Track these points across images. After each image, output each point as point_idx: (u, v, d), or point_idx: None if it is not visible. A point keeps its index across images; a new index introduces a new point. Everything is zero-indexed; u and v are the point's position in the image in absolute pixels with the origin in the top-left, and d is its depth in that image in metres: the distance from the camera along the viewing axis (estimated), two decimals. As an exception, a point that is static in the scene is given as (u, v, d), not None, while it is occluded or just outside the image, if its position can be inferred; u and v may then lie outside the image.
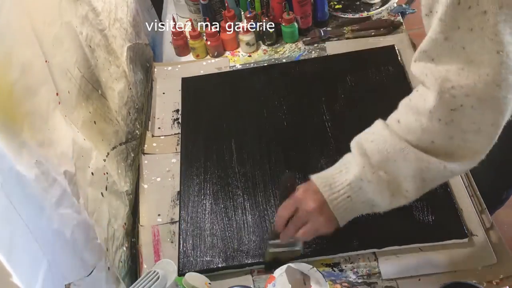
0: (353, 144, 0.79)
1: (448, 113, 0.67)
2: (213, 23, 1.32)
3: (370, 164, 0.74)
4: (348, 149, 1.05)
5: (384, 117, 1.10)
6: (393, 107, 1.11)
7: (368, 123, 1.08)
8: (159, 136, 1.18)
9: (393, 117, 0.76)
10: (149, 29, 1.42)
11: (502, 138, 1.11)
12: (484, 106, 0.66)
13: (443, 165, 0.71)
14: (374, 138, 0.76)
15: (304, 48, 1.33)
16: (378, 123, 0.77)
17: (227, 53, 1.36)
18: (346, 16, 1.37)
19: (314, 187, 0.79)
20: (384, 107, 1.12)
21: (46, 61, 0.78)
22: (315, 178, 0.81)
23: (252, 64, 1.31)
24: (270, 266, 0.88)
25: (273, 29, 1.31)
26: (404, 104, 0.75)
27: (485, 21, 0.59)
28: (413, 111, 0.71)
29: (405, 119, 0.73)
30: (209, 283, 0.85)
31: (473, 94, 0.65)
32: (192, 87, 1.26)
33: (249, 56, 1.34)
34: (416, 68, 0.71)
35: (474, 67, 0.63)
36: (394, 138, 0.73)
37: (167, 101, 1.26)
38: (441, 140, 0.70)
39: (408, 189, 0.74)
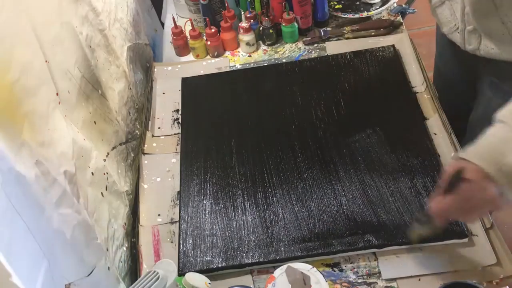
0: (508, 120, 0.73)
1: None
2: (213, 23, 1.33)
3: None
4: (347, 149, 1.05)
5: (384, 116, 1.11)
6: (393, 106, 1.12)
7: (367, 123, 1.10)
8: (159, 136, 1.18)
9: None
10: (149, 29, 1.42)
11: None
12: None
13: None
14: None
15: (304, 48, 1.33)
16: None
17: (227, 53, 1.36)
18: (346, 16, 1.37)
19: (484, 184, 0.72)
20: (384, 107, 1.13)
21: (46, 61, 0.78)
22: (474, 158, 0.73)
23: (252, 64, 1.31)
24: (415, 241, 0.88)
25: (271, 29, 1.31)
26: None
27: None
28: None
29: None
30: (209, 283, 0.85)
31: None
32: (192, 87, 1.26)
33: (249, 56, 1.34)
34: None
35: None
36: None
37: (167, 101, 1.26)
38: None
39: None
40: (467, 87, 1.17)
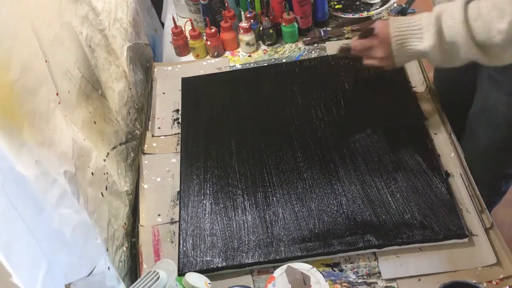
0: (434, 16, 0.91)
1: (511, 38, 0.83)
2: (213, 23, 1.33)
3: (440, 44, 0.91)
4: (347, 149, 1.06)
5: (384, 116, 1.11)
6: (393, 106, 1.12)
7: (367, 123, 1.10)
8: (159, 136, 1.18)
9: (473, 10, 0.87)
10: (149, 29, 1.42)
11: (499, 127, 1.12)
12: None
13: (489, 59, 0.89)
14: (452, 24, 0.89)
15: (304, 48, 1.33)
16: (460, 11, 0.87)
17: (227, 53, 1.36)
18: (346, 16, 1.37)
19: (388, 40, 0.97)
20: (384, 107, 1.13)
21: (46, 61, 0.78)
22: (394, 28, 0.96)
23: (252, 64, 1.31)
24: (337, 58, 1.20)
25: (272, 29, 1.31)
26: (487, 6, 0.86)
27: None
28: (489, 20, 0.85)
29: (480, 22, 0.86)
30: (209, 283, 0.85)
31: None
32: (192, 87, 1.26)
33: (249, 56, 1.34)
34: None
35: None
36: (467, 35, 0.87)
37: (167, 101, 1.26)
38: (496, 49, 0.87)
39: (457, 64, 0.94)
40: (467, 85, 1.17)
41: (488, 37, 0.85)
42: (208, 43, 1.32)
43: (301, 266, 0.81)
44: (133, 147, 1.16)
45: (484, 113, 1.13)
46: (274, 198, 1.00)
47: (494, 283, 0.85)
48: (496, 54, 0.89)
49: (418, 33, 0.93)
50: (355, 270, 0.91)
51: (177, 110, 1.23)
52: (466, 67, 0.99)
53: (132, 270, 0.99)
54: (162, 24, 1.56)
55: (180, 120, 1.20)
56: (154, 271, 0.80)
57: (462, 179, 0.99)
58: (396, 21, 0.97)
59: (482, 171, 1.05)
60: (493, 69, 1.05)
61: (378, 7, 1.38)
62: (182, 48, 1.36)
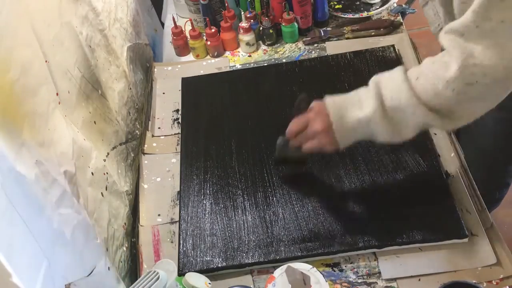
0: (372, 84, 0.84)
1: (463, 86, 0.74)
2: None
3: (383, 109, 0.82)
4: (347, 149, 1.06)
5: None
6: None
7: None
8: (159, 136, 1.18)
9: (414, 72, 0.81)
10: (149, 29, 1.42)
11: (494, 138, 1.12)
12: (497, 85, 0.75)
13: (442, 121, 0.80)
14: (392, 86, 0.82)
15: (304, 48, 1.33)
16: (399, 73, 0.82)
17: (227, 53, 1.36)
18: (346, 16, 1.37)
19: (325, 112, 0.87)
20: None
21: (46, 61, 0.78)
22: (330, 103, 0.87)
23: (252, 64, 1.31)
24: (279, 162, 1.03)
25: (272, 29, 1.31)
26: (427, 64, 0.81)
27: None
28: (432, 75, 0.78)
29: (423, 79, 0.79)
30: (209, 283, 0.85)
31: (490, 74, 0.72)
32: (192, 87, 1.26)
33: (249, 56, 1.34)
34: (445, 39, 0.76)
35: (499, 50, 0.71)
36: (409, 93, 0.79)
37: (167, 101, 1.26)
38: (448, 105, 0.78)
39: (407, 134, 0.84)
40: None
41: (437, 93, 0.77)
42: (208, 43, 1.32)
43: (301, 266, 0.81)
44: (133, 147, 1.16)
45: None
46: (274, 198, 1.00)
47: (494, 283, 0.85)
48: (451, 113, 0.79)
49: (356, 103, 0.85)
50: (355, 270, 0.91)
51: (177, 110, 1.23)
52: None
53: (132, 270, 0.99)
54: (162, 24, 1.56)
55: (180, 120, 1.20)
56: (154, 271, 0.80)
57: (462, 179, 0.99)
58: (330, 97, 0.88)
59: (475, 180, 1.04)
60: None
61: (378, 7, 1.38)
62: (182, 48, 1.36)
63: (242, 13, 1.33)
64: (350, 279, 0.90)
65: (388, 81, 0.83)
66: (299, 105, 0.94)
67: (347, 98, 0.87)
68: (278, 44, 1.35)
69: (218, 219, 0.99)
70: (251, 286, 0.91)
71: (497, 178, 1.25)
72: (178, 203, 1.04)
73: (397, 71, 0.83)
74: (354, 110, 0.85)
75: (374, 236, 0.92)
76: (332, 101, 0.87)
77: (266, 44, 1.35)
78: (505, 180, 1.28)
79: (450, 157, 1.03)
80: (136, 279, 0.82)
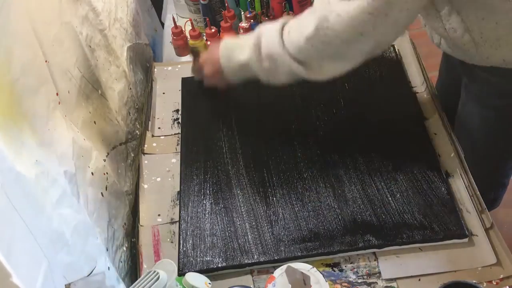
0: (255, 33, 0.97)
1: (320, 43, 0.86)
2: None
3: (259, 55, 0.95)
4: (347, 149, 1.06)
5: (384, 116, 1.11)
6: (393, 106, 1.12)
7: (366, 123, 1.09)
8: (159, 136, 1.18)
9: (289, 25, 0.92)
10: (149, 29, 1.42)
11: (484, 136, 1.12)
12: (346, 46, 0.86)
13: (307, 72, 0.93)
14: (269, 37, 0.93)
15: (304, 48, 1.33)
16: (277, 26, 0.93)
17: (227, 53, 1.36)
18: (346, 16, 1.37)
19: (217, 56, 1.04)
20: (384, 107, 1.13)
21: (46, 61, 0.78)
22: (223, 46, 1.04)
23: (252, 64, 1.31)
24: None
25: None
26: (298, 19, 0.91)
27: None
28: (299, 31, 0.88)
29: (293, 34, 0.90)
30: (209, 283, 0.85)
31: (340, 37, 0.84)
32: (192, 87, 1.26)
33: (249, 56, 1.34)
34: None
35: (348, 20, 0.81)
36: (280, 45, 0.91)
37: (167, 101, 1.26)
38: (311, 59, 0.91)
39: (281, 79, 0.98)
40: (456, 88, 1.17)
41: (300, 46, 0.88)
42: (208, 43, 1.32)
43: (301, 266, 0.81)
44: (133, 147, 1.16)
45: (462, 119, 1.13)
46: (274, 198, 1.00)
47: (494, 283, 0.85)
48: (313, 66, 0.92)
49: (241, 47, 0.99)
50: (355, 270, 0.91)
51: (177, 110, 1.22)
52: (451, 67, 0.99)
53: (132, 270, 0.99)
54: (162, 24, 1.56)
55: (180, 120, 1.20)
56: (154, 271, 0.80)
57: (462, 179, 0.99)
58: (225, 40, 1.05)
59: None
60: (467, 78, 1.05)
61: (378, 7, 1.38)
62: (182, 48, 1.36)
63: (242, 13, 1.33)
64: (350, 279, 0.89)
65: (267, 31, 0.94)
66: (193, 54, 1.17)
67: (236, 42, 1.02)
68: (278, 44, 1.35)
69: (218, 219, 0.99)
70: (251, 286, 0.91)
71: (490, 178, 1.25)
72: (178, 203, 1.04)
73: (277, 23, 0.93)
74: (238, 54, 1.00)
75: (374, 236, 0.92)
76: (225, 44, 1.04)
77: (266, 44, 1.35)
78: (500, 180, 1.28)
79: (450, 157, 1.03)
80: (136, 279, 0.82)
